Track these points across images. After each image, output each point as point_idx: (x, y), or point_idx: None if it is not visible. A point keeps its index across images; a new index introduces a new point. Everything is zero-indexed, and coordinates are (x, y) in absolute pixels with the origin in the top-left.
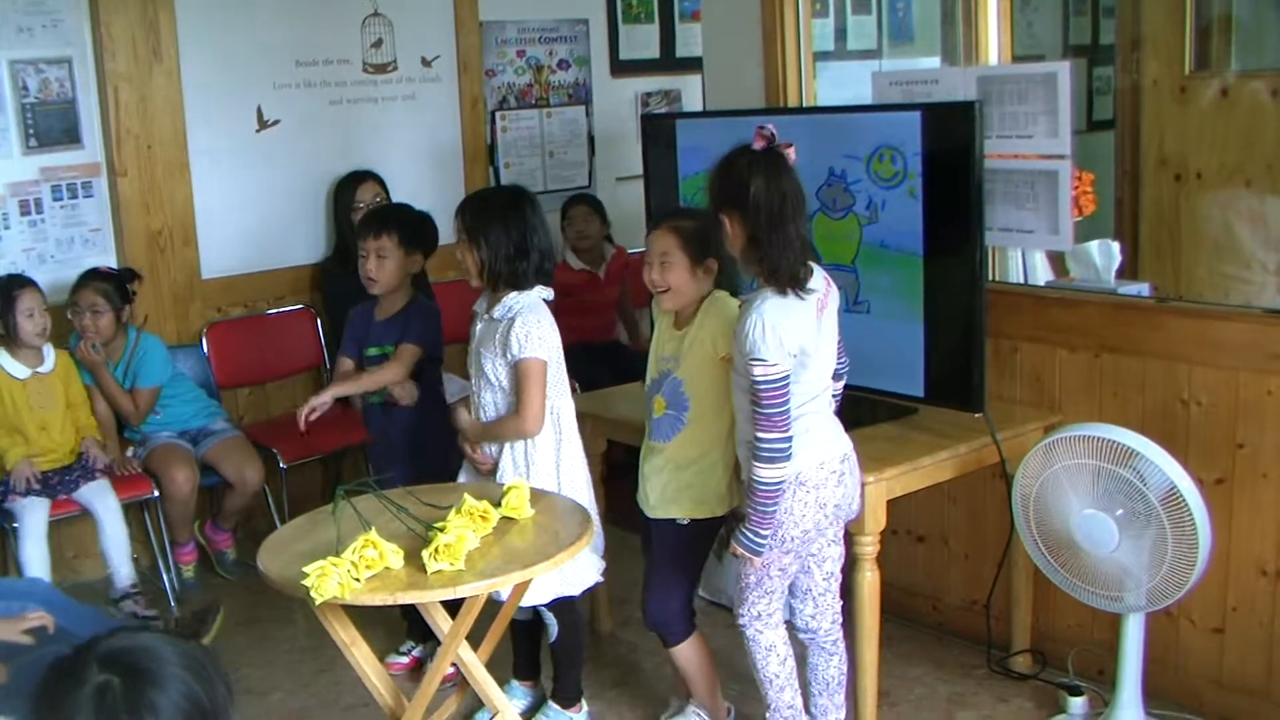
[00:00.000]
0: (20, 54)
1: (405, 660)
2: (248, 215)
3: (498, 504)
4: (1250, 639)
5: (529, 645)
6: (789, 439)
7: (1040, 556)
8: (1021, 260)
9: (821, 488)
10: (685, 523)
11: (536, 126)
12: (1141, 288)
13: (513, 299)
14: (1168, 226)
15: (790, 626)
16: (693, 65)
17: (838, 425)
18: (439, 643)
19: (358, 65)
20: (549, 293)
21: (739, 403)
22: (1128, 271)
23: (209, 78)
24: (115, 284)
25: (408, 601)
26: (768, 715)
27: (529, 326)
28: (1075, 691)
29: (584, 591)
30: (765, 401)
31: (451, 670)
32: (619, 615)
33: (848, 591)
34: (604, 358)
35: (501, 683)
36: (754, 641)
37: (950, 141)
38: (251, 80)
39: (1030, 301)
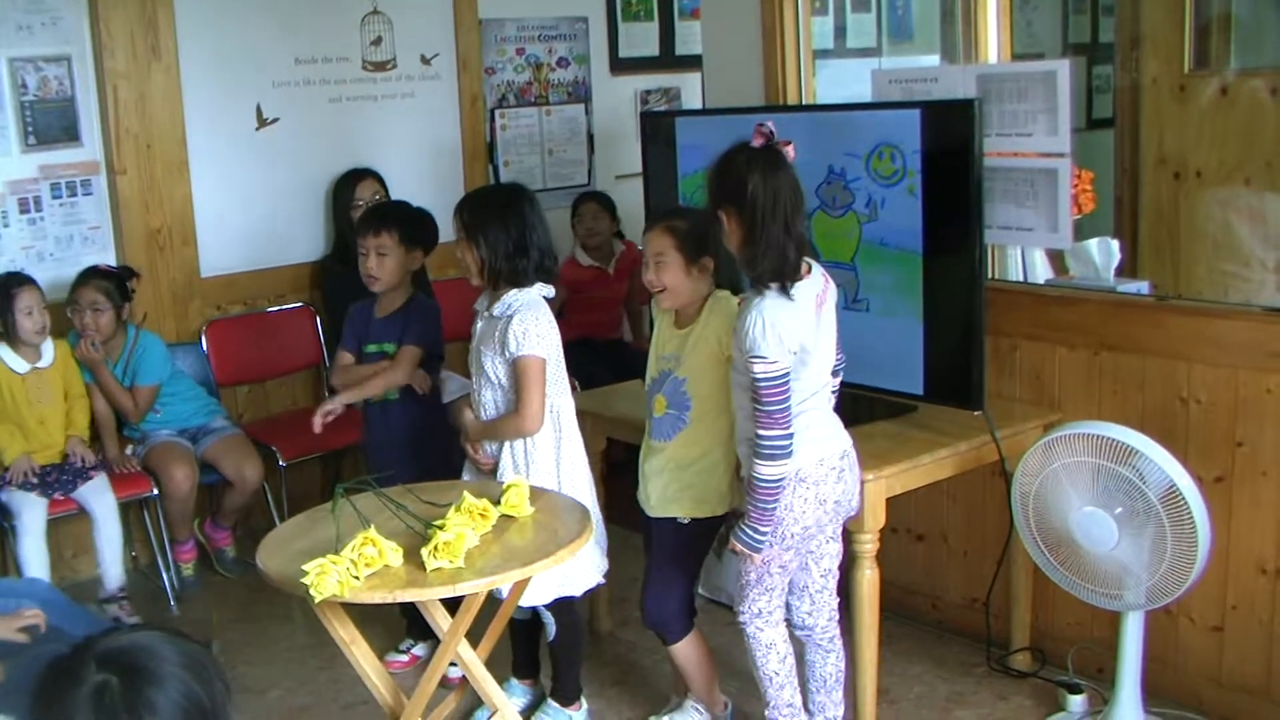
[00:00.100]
0: (19, 52)
1: (404, 658)
2: (247, 213)
3: (497, 502)
4: (1249, 637)
5: (528, 644)
6: (790, 436)
7: (1040, 554)
8: (1021, 258)
9: (822, 484)
10: (686, 522)
11: (536, 124)
12: (1141, 286)
13: (512, 296)
14: (1167, 225)
15: (787, 624)
16: (692, 63)
17: (837, 422)
18: (438, 641)
19: (357, 63)
20: (550, 290)
21: (739, 400)
22: (1127, 269)
23: (208, 76)
24: (115, 282)
25: (407, 599)
26: (767, 713)
27: (527, 324)
28: (1075, 689)
29: (586, 592)
30: (766, 399)
31: (453, 676)
32: (618, 614)
33: (847, 589)
34: (605, 354)
35: (500, 681)
36: (754, 639)
37: (950, 139)
38: (251, 78)
39: (1030, 299)
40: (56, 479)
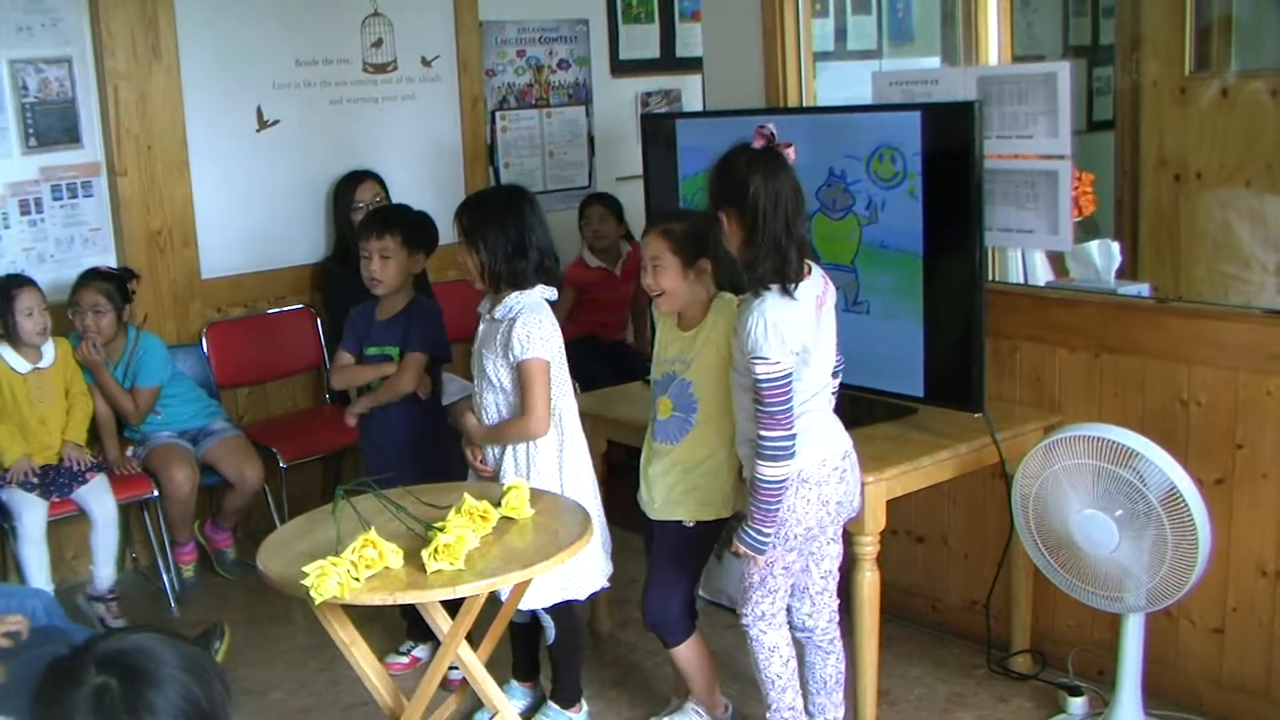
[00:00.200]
0: (20, 53)
1: (405, 660)
2: (247, 215)
3: (497, 504)
4: (1250, 639)
5: (528, 646)
6: (792, 436)
7: (1040, 557)
8: (1021, 260)
9: (824, 484)
10: (691, 525)
11: (536, 126)
12: (1141, 288)
13: (514, 299)
14: (1167, 227)
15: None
16: (693, 65)
17: (838, 423)
18: (439, 643)
19: (357, 65)
20: (552, 292)
21: (739, 401)
22: (1127, 272)
23: (209, 77)
24: (116, 283)
25: (407, 601)
26: (768, 715)
27: (530, 327)
28: (1075, 692)
29: (590, 596)
30: (768, 399)
31: (454, 678)
32: (618, 615)
33: (847, 591)
34: (607, 355)
35: (501, 683)
36: (757, 642)
37: (950, 141)
38: (251, 80)
39: (1030, 301)
40: (56, 480)
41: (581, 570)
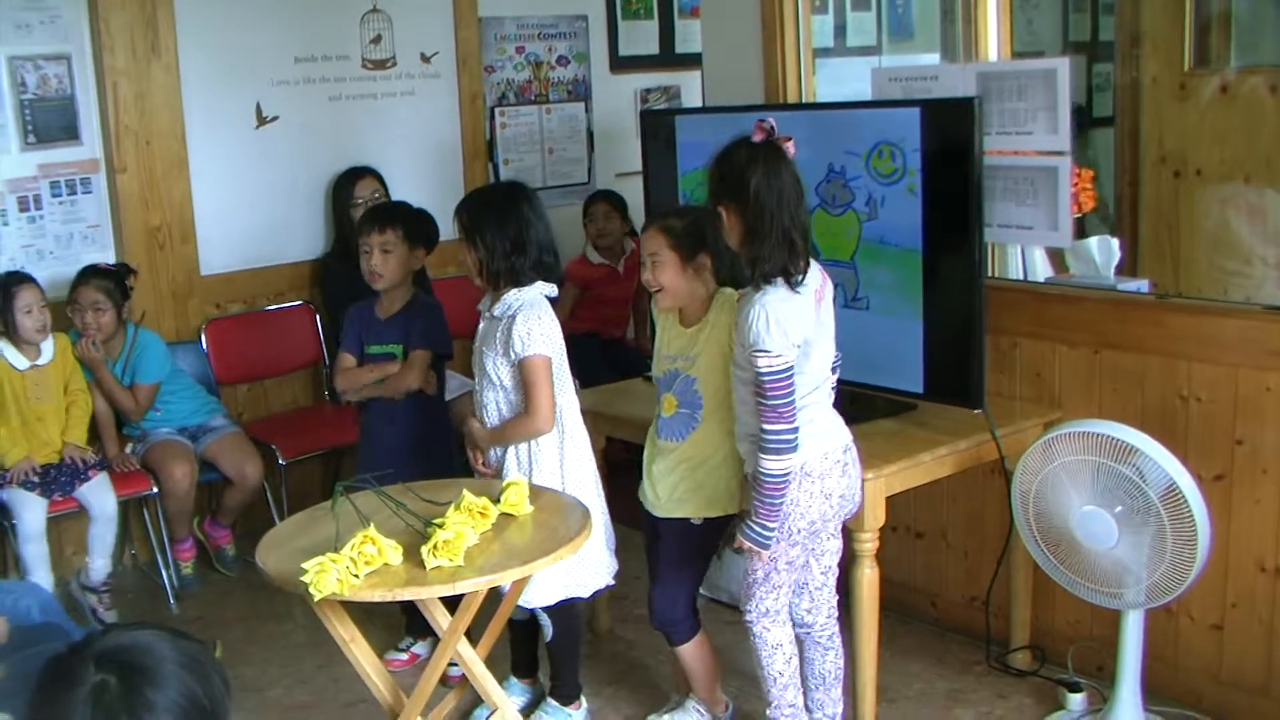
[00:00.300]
0: (19, 50)
1: (404, 657)
2: (247, 211)
3: (497, 500)
4: (1250, 635)
5: (527, 642)
6: (795, 430)
7: (1040, 553)
8: (1021, 256)
9: (826, 478)
10: (698, 522)
11: (536, 123)
12: (1141, 284)
13: (513, 296)
14: (1167, 223)
15: None
16: (692, 61)
17: (838, 416)
18: (438, 639)
19: (357, 61)
20: (551, 289)
21: (740, 395)
22: (1127, 268)
23: (208, 74)
24: (115, 280)
25: (406, 598)
26: (769, 712)
27: (530, 324)
28: (1074, 688)
29: (594, 594)
30: (770, 393)
31: (453, 674)
32: (617, 612)
33: (846, 587)
34: (606, 352)
35: (500, 679)
36: (760, 639)
37: (950, 138)
38: (250, 76)
39: (1030, 298)
40: (56, 478)
41: (584, 567)
